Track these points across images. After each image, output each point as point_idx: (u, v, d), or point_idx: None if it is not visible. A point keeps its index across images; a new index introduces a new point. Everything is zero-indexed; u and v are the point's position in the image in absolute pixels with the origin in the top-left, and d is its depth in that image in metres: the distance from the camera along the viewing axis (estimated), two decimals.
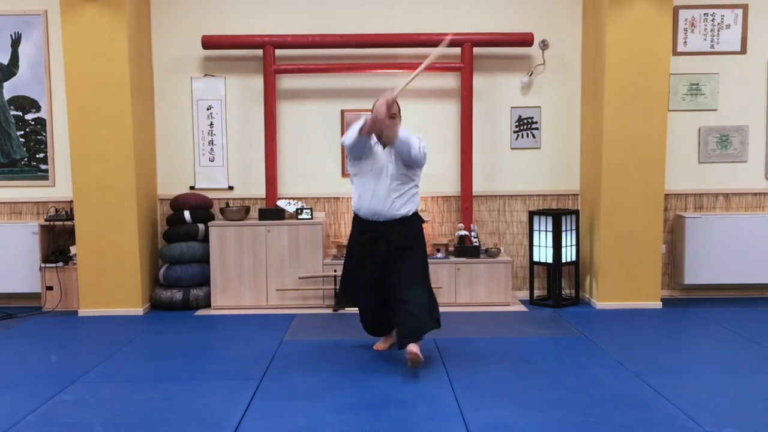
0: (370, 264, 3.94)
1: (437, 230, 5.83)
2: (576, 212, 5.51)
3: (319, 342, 4.46)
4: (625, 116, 5.19)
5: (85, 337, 4.67)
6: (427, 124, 5.73)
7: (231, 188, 5.79)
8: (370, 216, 3.91)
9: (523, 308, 5.40)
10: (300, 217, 5.47)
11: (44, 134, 5.66)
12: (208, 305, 5.46)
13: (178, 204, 5.51)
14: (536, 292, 5.65)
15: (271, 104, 5.57)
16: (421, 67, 3.80)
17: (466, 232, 5.55)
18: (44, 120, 5.64)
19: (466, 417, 3.11)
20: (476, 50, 5.59)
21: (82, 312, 5.29)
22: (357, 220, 4.03)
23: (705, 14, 5.61)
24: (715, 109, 5.66)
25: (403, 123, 5.65)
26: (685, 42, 5.63)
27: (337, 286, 5.22)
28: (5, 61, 5.62)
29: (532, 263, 5.57)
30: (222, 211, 5.54)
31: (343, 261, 4.31)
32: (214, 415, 3.16)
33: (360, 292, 4.09)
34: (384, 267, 3.91)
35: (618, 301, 5.32)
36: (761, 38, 5.64)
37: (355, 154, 3.91)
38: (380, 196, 3.86)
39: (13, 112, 5.66)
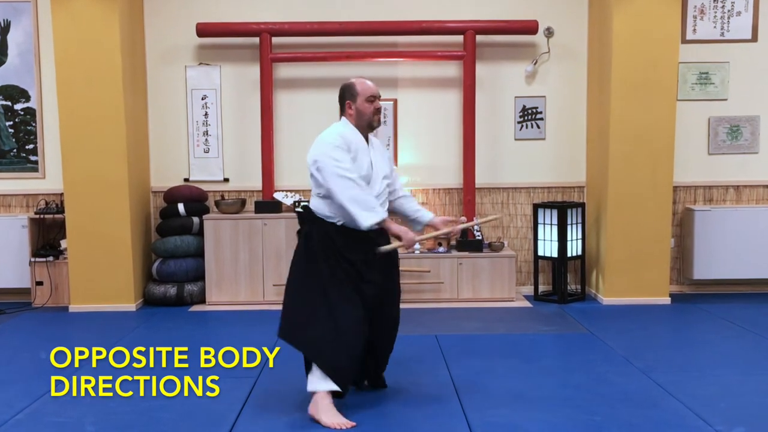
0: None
1: None
2: (582, 205, 5.47)
3: None
4: (633, 106, 5.14)
5: (76, 334, 4.65)
6: (428, 115, 5.70)
7: (226, 180, 5.75)
8: None
9: (527, 304, 5.36)
10: (297, 210, 5.34)
11: (34, 125, 5.62)
12: (202, 301, 5.42)
13: (171, 196, 5.46)
14: (541, 288, 5.61)
15: (268, 94, 5.51)
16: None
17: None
18: (34, 110, 5.60)
19: (468, 416, 3.07)
20: (479, 38, 5.52)
21: (73, 308, 5.25)
22: None
23: (715, 1, 5.54)
24: (725, 99, 5.60)
25: (404, 114, 5.71)
26: (695, 29, 5.56)
27: None
28: None
29: (536, 258, 5.52)
30: (217, 203, 5.50)
31: None
32: (209, 414, 3.12)
33: None
34: None
35: (625, 297, 5.27)
36: None
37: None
38: None
39: (1, 102, 5.61)
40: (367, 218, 3.01)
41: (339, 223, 3.12)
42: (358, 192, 3.03)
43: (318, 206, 3.16)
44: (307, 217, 3.24)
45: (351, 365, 3.09)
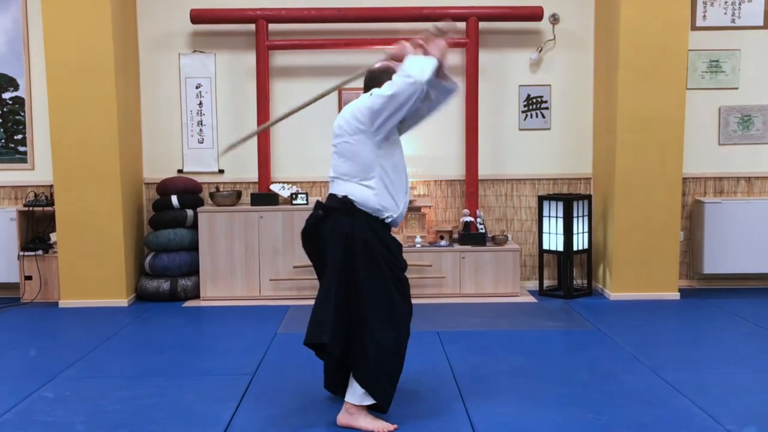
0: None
1: (441, 216, 5.74)
2: (588, 197, 5.43)
3: None
4: (641, 95, 5.11)
5: (67, 330, 4.62)
6: None
7: (221, 172, 5.71)
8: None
9: (532, 299, 5.32)
10: (295, 202, 5.37)
11: (22, 114, 5.57)
12: (197, 296, 5.38)
13: (165, 188, 5.42)
14: (546, 282, 5.57)
15: (264, 82, 5.46)
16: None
17: (472, 219, 5.45)
18: (23, 99, 5.55)
19: (471, 415, 3.05)
20: (482, 25, 5.47)
21: (63, 303, 5.20)
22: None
23: None
24: (736, 88, 5.55)
25: None
26: (705, 16, 5.50)
27: None
28: None
29: (541, 251, 5.48)
30: (212, 195, 5.46)
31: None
32: (204, 413, 3.10)
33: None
34: None
35: (633, 292, 5.23)
36: None
37: (411, 113, 3.00)
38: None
39: None
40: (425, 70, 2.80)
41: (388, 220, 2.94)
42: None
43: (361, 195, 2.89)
44: (343, 209, 2.90)
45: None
